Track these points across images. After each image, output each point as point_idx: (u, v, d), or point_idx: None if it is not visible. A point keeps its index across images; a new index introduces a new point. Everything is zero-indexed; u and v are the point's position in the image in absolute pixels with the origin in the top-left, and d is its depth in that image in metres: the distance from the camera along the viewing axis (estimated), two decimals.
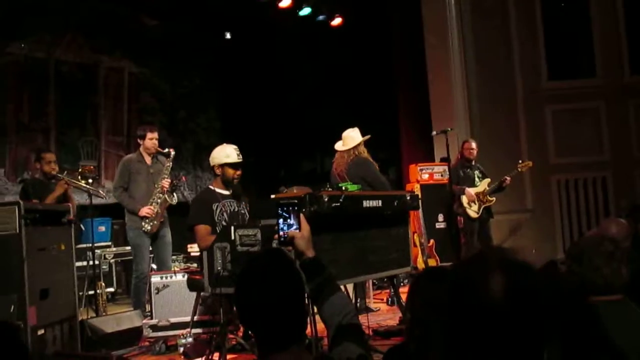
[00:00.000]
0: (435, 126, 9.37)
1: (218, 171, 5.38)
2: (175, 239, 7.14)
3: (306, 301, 2.06)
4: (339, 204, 4.26)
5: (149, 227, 6.70)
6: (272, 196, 4.48)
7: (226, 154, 5.35)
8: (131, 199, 6.79)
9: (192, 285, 5.54)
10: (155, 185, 6.79)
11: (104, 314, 6.93)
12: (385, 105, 10.55)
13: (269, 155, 11.49)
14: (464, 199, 8.16)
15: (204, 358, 4.94)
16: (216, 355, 4.79)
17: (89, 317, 6.17)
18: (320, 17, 10.26)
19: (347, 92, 10.96)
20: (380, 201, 4.84)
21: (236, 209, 5.36)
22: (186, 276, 5.89)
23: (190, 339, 5.48)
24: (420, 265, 8.42)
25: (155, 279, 6.13)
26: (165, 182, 6.78)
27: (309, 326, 3.76)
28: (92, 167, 8.63)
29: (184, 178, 7.58)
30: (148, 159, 6.94)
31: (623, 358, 2.27)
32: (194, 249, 6.25)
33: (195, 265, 6.10)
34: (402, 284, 7.35)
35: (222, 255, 4.37)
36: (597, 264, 2.53)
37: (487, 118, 10.02)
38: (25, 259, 4.72)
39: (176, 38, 11.26)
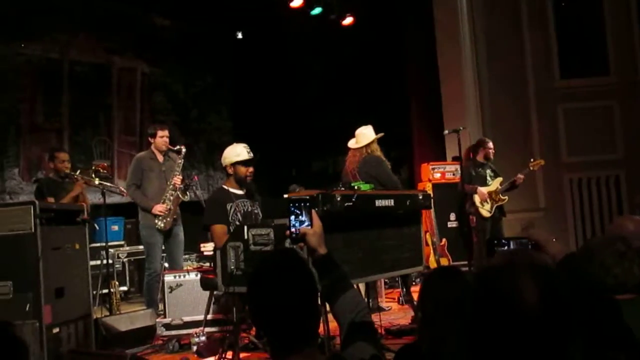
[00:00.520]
0: (447, 125, 9.36)
1: (230, 170, 5.41)
2: (188, 237, 7.18)
3: (319, 301, 2.05)
4: (351, 204, 4.27)
5: (162, 224, 6.74)
6: (285, 195, 4.50)
7: (236, 152, 5.37)
8: (144, 197, 6.84)
9: (206, 284, 5.56)
10: (168, 183, 6.84)
11: (117, 312, 6.98)
12: (397, 105, 10.54)
13: (280, 154, 11.52)
14: (477, 198, 8.14)
15: (217, 357, 4.95)
16: (229, 354, 4.80)
17: (102, 315, 6.22)
18: (332, 17, 10.27)
19: (358, 91, 10.97)
20: (392, 200, 4.85)
21: (249, 209, 5.37)
22: (199, 275, 5.92)
23: (203, 338, 5.51)
24: (433, 264, 8.42)
25: (168, 278, 6.16)
26: (177, 179, 6.82)
27: (321, 325, 3.78)
28: (105, 165, 8.70)
29: (196, 177, 7.59)
30: (160, 157, 6.99)
31: None
32: (206, 247, 6.28)
33: (208, 264, 6.13)
34: (414, 283, 7.35)
35: (236, 255, 4.38)
36: (608, 263, 2.52)
37: (499, 117, 9.99)
38: (41, 258, 4.76)
39: (188, 38, 11.31)
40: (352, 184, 4.67)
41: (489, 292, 1.38)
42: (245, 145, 5.42)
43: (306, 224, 2.39)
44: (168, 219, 6.75)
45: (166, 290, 6.12)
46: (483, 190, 8.13)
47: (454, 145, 8.26)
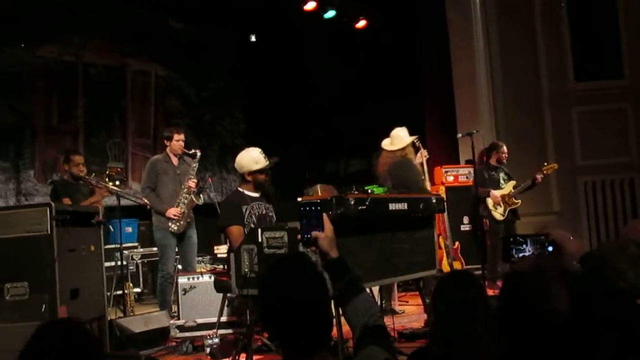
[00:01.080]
0: (461, 128, 9.34)
1: (249, 178, 5.34)
2: (202, 239, 7.21)
3: (331, 305, 2.05)
4: (365, 207, 4.28)
5: (175, 227, 6.77)
6: (299, 199, 4.51)
7: (255, 160, 5.30)
8: (158, 200, 6.87)
9: (219, 286, 5.59)
10: (182, 186, 6.87)
11: (131, 314, 7.02)
12: (410, 108, 10.52)
13: (294, 157, 11.53)
14: (490, 202, 8.14)
15: (230, 359, 4.98)
16: (242, 356, 4.82)
17: (117, 316, 6.26)
18: (345, 20, 10.28)
19: (371, 94, 10.97)
20: (406, 204, 4.85)
21: (264, 211, 5.34)
22: (213, 277, 5.95)
23: (216, 340, 5.54)
24: (446, 267, 8.40)
25: (182, 280, 6.19)
26: (192, 182, 6.85)
27: (334, 328, 3.78)
28: (119, 168, 8.76)
29: (210, 180, 7.63)
30: (175, 160, 7.03)
31: None
32: (220, 250, 6.31)
33: (221, 266, 6.15)
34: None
35: (249, 257, 4.40)
36: (621, 268, 2.51)
37: (513, 120, 9.95)
38: (56, 260, 4.80)
39: (202, 41, 11.36)
40: (366, 188, 4.68)
41: (518, 297, 1.38)
42: (260, 150, 5.36)
43: (317, 228, 2.39)
44: (182, 222, 6.79)
45: (180, 292, 6.15)
46: (496, 193, 8.13)
47: (467, 148, 8.25)
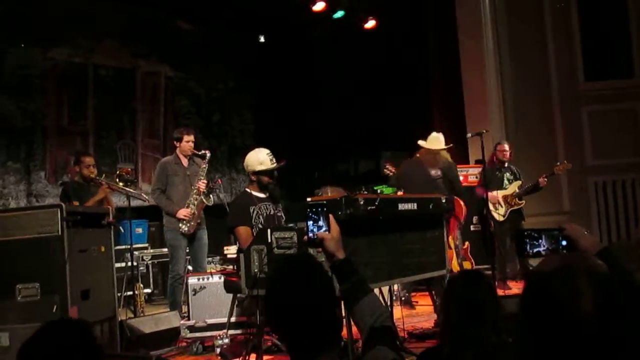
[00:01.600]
0: (470, 128, 9.32)
1: (253, 178, 5.41)
2: (212, 240, 7.22)
3: (340, 306, 2.04)
4: (374, 207, 4.27)
5: (186, 228, 6.79)
6: (308, 199, 4.51)
7: (259, 161, 5.35)
8: (169, 201, 6.89)
9: (229, 287, 5.60)
10: (192, 187, 6.88)
11: (141, 314, 7.04)
12: (419, 107, 10.52)
13: (303, 157, 11.54)
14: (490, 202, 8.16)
15: (240, 359, 4.98)
16: (253, 357, 4.83)
17: (127, 317, 6.28)
18: (354, 20, 10.28)
19: (381, 94, 10.96)
20: (415, 204, 4.84)
21: (272, 212, 5.37)
22: (223, 278, 5.95)
23: (227, 340, 5.54)
24: (455, 267, 8.37)
25: (192, 281, 6.20)
26: (202, 183, 6.86)
27: (344, 328, 3.78)
28: (129, 169, 8.79)
29: (219, 181, 7.64)
30: (184, 161, 7.04)
31: None
32: (230, 250, 6.32)
33: (231, 266, 6.16)
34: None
35: (259, 258, 4.40)
36: (630, 268, 2.50)
37: (523, 119, 9.93)
38: (67, 261, 4.83)
39: (211, 42, 11.39)
40: (375, 188, 4.67)
41: (543, 296, 1.37)
42: (268, 152, 5.39)
43: (324, 229, 2.39)
44: (192, 223, 6.80)
45: (190, 292, 6.16)
46: (494, 193, 8.11)
47: (476, 148, 8.23)
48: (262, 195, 5.41)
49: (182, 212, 6.77)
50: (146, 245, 9.22)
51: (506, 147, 8.40)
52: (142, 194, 7.34)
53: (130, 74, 10.53)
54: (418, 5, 10.65)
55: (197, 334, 6.01)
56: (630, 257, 2.52)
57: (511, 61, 10.05)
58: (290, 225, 4.56)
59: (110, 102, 10.18)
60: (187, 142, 7.00)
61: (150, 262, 8.98)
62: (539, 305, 1.37)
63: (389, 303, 5.47)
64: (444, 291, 2.49)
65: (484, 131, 7.69)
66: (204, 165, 6.97)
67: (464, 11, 10.12)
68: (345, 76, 11.52)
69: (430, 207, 5.12)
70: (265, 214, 5.30)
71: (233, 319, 5.81)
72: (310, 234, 2.39)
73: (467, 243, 8.81)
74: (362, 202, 4.19)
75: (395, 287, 6.12)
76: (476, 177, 9.14)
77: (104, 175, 7.08)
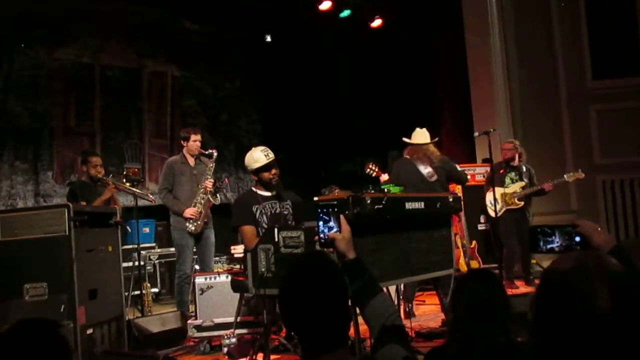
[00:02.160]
0: (477, 127, 9.30)
1: (254, 177, 5.42)
2: (219, 240, 7.22)
3: (350, 304, 2.05)
4: (381, 206, 4.26)
5: (193, 228, 6.79)
6: (315, 198, 4.50)
7: (255, 159, 5.33)
8: (176, 200, 6.89)
9: (236, 286, 5.60)
10: (199, 187, 6.89)
11: (149, 314, 7.05)
12: (426, 106, 10.49)
13: (309, 156, 11.54)
14: (487, 198, 8.15)
15: (247, 358, 4.98)
16: (260, 356, 4.83)
17: (134, 317, 6.29)
18: (360, 19, 10.27)
19: (387, 93, 10.95)
20: (422, 203, 4.83)
21: (278, 210, 5.34)
22: (230, 277, 5.96)
23: (234, 339, 5.55)
24: (463, 267, 8.36)
25: (199, 280, 6.21)
26: (209, 183, 6.87)
27: (351, 327, 3.78)
28: (136, 169, 8.81)
29: (226, 180, 7.65)
30: (191, 161, 7.04)
31: None
32: (237, 250, 6.31)
33: (238, 266, 6.16)
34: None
35: (266, 257, 4.40)
36: (638, 266, 2.48)
37: (530, 118, 9.89)
38: (75, 260, 4.83)
39: (217, 42, 11.40)
40: (382, 187, 4.66)
41: (559, 295, 1.36)
42: (263, 148, 5.38)
43: (334, 229, 2.38)
44: (199, 222, 6.81)
45: (197, 292, 6.17)
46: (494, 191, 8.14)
47: (484, 147, 8.20)
48: (267, 193, 5.38)
49: (189, 212, 6.78)
50: (153, 244, 9.24)
51: (508, 145, 8.39)
52: (149, 194, 7.37)
53: (137, 74, 10.55)
54: (424, 4, 10.62)
55: (205, 334, 6.02)
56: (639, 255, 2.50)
57: (518, 59, 10.02)
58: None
59: (117, 102, 10.21)
60: (194, 141, 7.01)
61: (157, 261, 9.00)
62: (554, 304, 1.36)
63: (395, 302, 5.44)
64: (452, 290, 2.48)
65: (491, 130, 7.66)
66: (211, 165, 6.97)
67: (471, 9, 10.09)
68: (351, 75, 11.50)
69: (438, 206, 5.10)
70: (269, 213, 5.27)
71: (240, 319, 5.82)
72: (321, 235, 2.38)
73: (474, 242, 8.81)
74: (369, 201, 4.18)
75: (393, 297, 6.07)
76: (483, 177, 9.13)
77: (110, 175, 7.09)
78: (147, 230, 9.18)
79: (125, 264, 6.34)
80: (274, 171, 5.35)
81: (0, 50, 8.91)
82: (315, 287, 1.91)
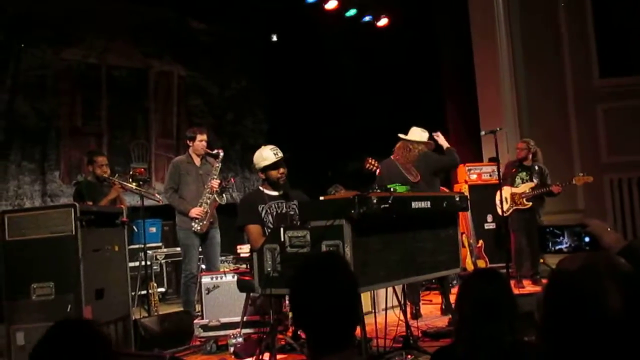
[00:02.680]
0: (484, 126, 9.29)
1: (262, 176, 5.39)
2: (225, 239, 7.22)
3: (361, 304, 2.07)
4: (387, 206, 4.25)
5: (198, 227, 6.80)
6: (321, 198, 4.50)
7: (263, 157, 5.32)
8: (181, 200, 6.90)
9: (242, 286, 5.60)
10: (205, 186, 6.89)
11: (156, 313, 7.05)
12: (433, 106, 10.48)
13: (316, 155, 11.53)
14: (497, 196, 8.13)
15: (254, 358, 4.98)
16: (266, 355, 4.83)
17: (141, 316, 6.30)
18: (367, 18, 10.26)
19: (394, 92, 10.93)
20: (428, 202, 4.82)
21: (284, 210, 5.31)
22: (236, 277, 5.96)
23: (240, 339, 5.56)
24: (469, 266, 8.36)
25: (205, 280, 6.21)
26: (215, 183, 6.87)
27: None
28: (142, 169, 8.80)
29: (232, 179, 7.65)
30: (197, 160, 7.05)
31: None
32: (243, 249, 6.32)
33: (244, 266, 6.16)
34: (451, 285, 7.29)
35: (272, 257, 4.40)
36: None
37: (537, 117, 9.87)
38: (81, 260, 4.84)
39: (224, 41, 11.40)
40: (388, 186, 4.65)
41: (568, 295, 1.35)
42: (272, 147, 5.36)
43: None
44: (204, 222, 6.81)
45: (203, 291, 6.17)
46: (504, 189, 8.11)
47: (490, 146, 8.20)
48: (274, 193, 5.37)
49: (195, 211, 6.78)
50: (160, 244, 9.25)
51: (521, 145, 8.37)
52: (156, 194, 7.38)
53: (143, 74, 10.56)
54: (431, 3, 10.61)
55: (211, 333, 6.02)
56: None
57: (525, 58, 10.00)
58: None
59: (124, 102, 10.22)
60: (200, 141, 7.01)
61: (164, 261, 9.01)
62: (564, 304, 1.35)
63: (402, 302, 5.43)
64: (458, 289, 2.47)
65: (498, 129, 7.65)
66: (217, 165, 6.97)
67: (477, 9, 10.08)
68: (357, 74, 11.49)
69: (444, 205, 5.09)
70: (275, 213, 5.26)
71: (246, 318, 5.82)
72: None
73: (481, 241, 8.81)
74: (375, 201, 4.17)
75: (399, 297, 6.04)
76: (490, 175, 9.12)
77: (116, 174, 7.10)
78: (153, 230, 9.19)
79: (131, 264, 6.34)
80: (282, 170, 5.34)
81: (7, 50, 8.94)
82: (326, 287, 1.92)
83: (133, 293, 6.69)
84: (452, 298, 6.07)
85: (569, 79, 9.91)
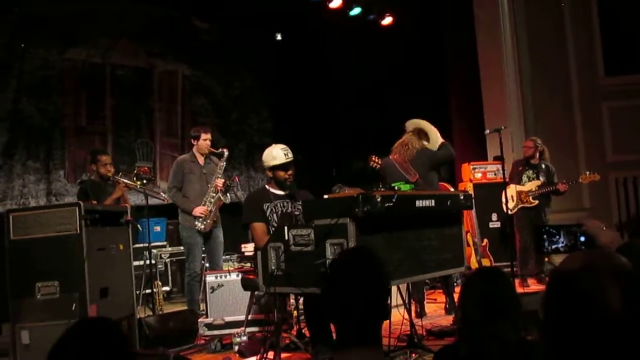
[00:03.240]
0: (489, 124, 9.27)
1: (269, 174, 5.35)
2: (229, 238, 7.23)
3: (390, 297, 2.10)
4: (391, 204, 4.25)
5: (202, 226, 6.80)
6: (325, 196, 4.50)
7: (273, 156, 5.29)
8: (185, 199, 6.90)
9: (246, 284, 5.60)
10: (208, 185, 6.89)
11: (160, 312, 7.06)
12: (437, 104, 10.45)
13: (320, 154, 11.53)
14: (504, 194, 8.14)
15: (258, 356, 4.98)
16: (270, 354, 4.83)
17: (146, 315, 6.30)
18: (371, 17, 10.25)
19: (398, 91, 10.91)
20: (433, 201, 4.81)
21: (289, 210, 5.29)
22: (240, 275, 5.96)
23: (244, 338, 5.56)
24: (474, 265, 8.34)
25: (210, 278, 6.22)
26: (219, 182, 6.87)
27: None
28: (147, 168, 8.83)
29: (237, 178, 7.65)
30: (201, 160, 7.05)
31: None
32: (247, 248, 6.32)
33: (249, 264, 6.17)
34: (455, 284, 7.29)
35: (276, 255, 4.40)
36: None
37: (542, 116, 9.85)
38: (86, 259, 4.85)
39: (228, 40, 11.40)
40: (393, 185, 4.64)
41: (568, 294, 1.35)
42: (283, 147, 5.33)
43: None
44: (208, 220, 6.82)
45: (208, 290, 6.18)
46: (511, 187, 8.10)
47: (495, 144, 8.19)
48: (280, 192, 5.36)
49: (199, 210, 6.79)
50: (165, 243, 9.26)
51: (528, 143, 8.36)
52: (161, 193, 7.39)
53: (148, 73, 10.57)
54: (435, 2, 10.59)
55: (215, 332, 6.03)
56: None
57: (530, 57, 9.97)
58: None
59: (128, 101, 10.24)
60: (204, 140, 7.02)
61: (168, 260, 9.02)
62: (564, 303, 1.35)
63: (406, 300, 5.43)
64: (461, 288, 2.46)
65: (502, 127, 7.62)
66: (222, 164, 6.98)
67: (482, 7, 10.05)
68: (362, 73, 11.48)
69: (449, 203, 5.08)
70: (280, 212, 5.24)
71: (251, 317, 5.82)
72: None
73: (485, 240, 8.79)
74: (379, 199, 4.17)
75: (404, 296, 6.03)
76: (495, 174, 9.10)
77: (120, 173, 7.11)
78: (158, 228, 9.19)
79: (136, 263, 6.35)
80: (290, 172, 5.32)
81: (11, 50, 8.96)
82: (358, 280, 1.95)
83: (138, 292, 6.70)
84: (456, 297, 6.05)
85: (574, 77, 9.89)
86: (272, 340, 4.86)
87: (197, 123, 10.07)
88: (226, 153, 7.01)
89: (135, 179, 6.99)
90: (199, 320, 6.18)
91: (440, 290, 7.56)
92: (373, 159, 6.81)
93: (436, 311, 7.05)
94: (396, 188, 4.53)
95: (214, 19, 11.08)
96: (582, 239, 2.19)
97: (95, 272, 4.96)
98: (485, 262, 8.58)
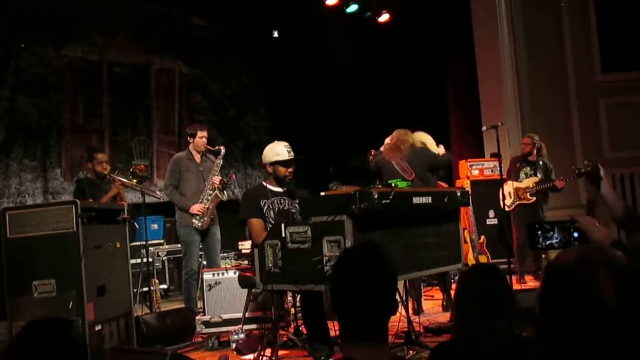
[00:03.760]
0: (486, 121, 9.27)
1: (270, 169, 5.30)
2: (227, 235, 7.22)
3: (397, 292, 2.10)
4: (388, 201, 4.24)
5: (199, 224, 6.79)
6: (322, 194, 4.49)
7: (276, 152, 5.27)
8: (182, 197, 6.89)
9: (244, 282, 5.60)
10: (205, 183, 6.89)
11: (157, 310, 7.06)
12: (434, 101, 10.46)
13: (318, 152, 11.52)
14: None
15: (256, 354, 4.98)
16: (268, 351, 4.83)
17: (143, 313, 6.30)
18: (368, 14, 10.25)
19: (395, 88, 10.91)
20: (430, 198, 4.81)
21: (286, 207, 5.28)
22: (237, 273, 5.96)
23: (242, 335, 5.56)
24: (471, 262, 8.34)
25: (207, 276, 6.22)
26: (216, 179, 6.86)
27: None
28: (143, 166, 8.81)
29: (234, 176, 7.65)
30: (197, 157, 7.04)
31: None
32: (245, 246, 6.32)
33: (246, 262, 6.17)
34: (452, 281, 7.29)
35: (273, 253, 4.40)
36: None
37: (539, 112, 9.85)
38: (83, 257, 4.84)
39: (225, 38, 11.40)
40: (390, 182, 4.64)
41: (563, 289, 1.35)
42: (286, 144, 5.31)
43: None
44: (205, 218, 6.81)
45: (205, 288, 6.18)
46: (508, 183, 8.11)
47: (492, 141, 8.17)
48: (277, 189, 5.33)
49: (196, 208, 6.78)
50: (162, 241, 9.25)
51: (526, 140, 8.36)
52: (157, 191, 7.38)
53: (145, 70, 10.57)
54: None
55: (213, 330, 6.03)
56: None
57: (527, 53, 9.97)
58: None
59: (125, 99, 10.23)
60: (201, 138, 7.01)
61: (165, 258, 9.02)
62: (559, 298, 1.35)
63: (403, 297, 5.43)
64: (456, 285, 2.47)
65: (500, 124, 7.62)
66: (219, 161, 6.97)
67: (479, 3, 10.05)
68: (359, 70, 11.48)
69: (446, 200, 5.08)
70: (276, 209, 5.22)
71: (248, 314, 5.82)
72: None
73: (482, 237, 8.79)
74: (376, 196, 4.16)
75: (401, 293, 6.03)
76: (492, 171, 9.11)
77: (117, 171, 7.10)
78: (155, 226, 9.19)
79: (133, 261, 6.34)
80: (290, 169, 5.30)
81: (8, 48, 8.95)
82: (366, 273, 1.95)
83: (135, 290, 6.69)
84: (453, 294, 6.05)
85: (571, 74, 9.89)
86: (270, 337, 4.87)
87: (195, 121, 10.08)
88: (223, 150, 7.01)
89: (131, 176, 6.98)
90: (197, 318, 6.18)
91: (438, 287, 7.57)
92: (372, 153, 6.80)
93: (433, 308, 7.06)
94: (393, 185, 4.52)
95: (211, 16, 11.07)
96: (576, 234, 2.19)
97: (92, 270, 4.95)
98: (483, 259, 8.58)
